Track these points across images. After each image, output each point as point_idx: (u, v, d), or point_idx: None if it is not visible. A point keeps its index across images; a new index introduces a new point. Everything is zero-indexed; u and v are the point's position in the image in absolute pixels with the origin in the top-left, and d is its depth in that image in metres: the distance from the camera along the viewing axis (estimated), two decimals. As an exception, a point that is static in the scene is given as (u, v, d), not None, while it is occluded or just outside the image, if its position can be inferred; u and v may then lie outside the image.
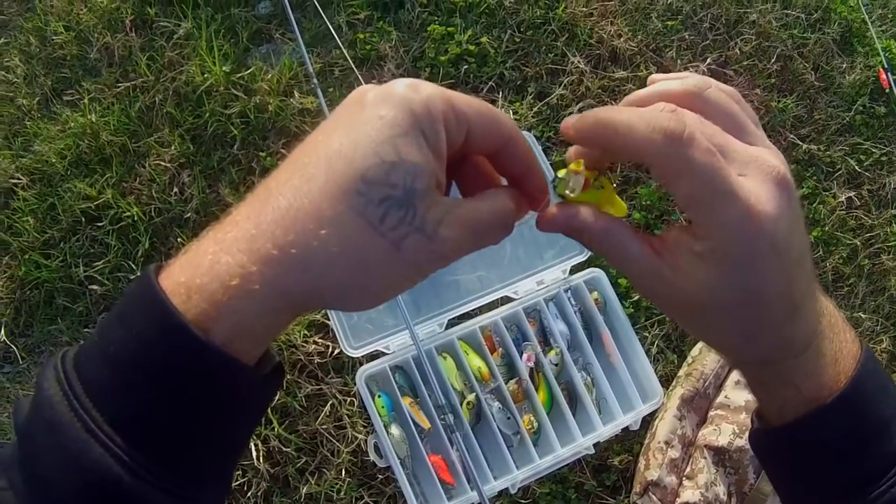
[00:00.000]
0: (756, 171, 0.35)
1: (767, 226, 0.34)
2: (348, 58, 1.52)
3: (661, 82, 0.40)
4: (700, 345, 1.58)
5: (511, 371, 1.48)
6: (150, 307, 0.31)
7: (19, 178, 1.63)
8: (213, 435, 0.34)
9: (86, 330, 1.56)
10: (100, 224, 1.59)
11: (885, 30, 2.00)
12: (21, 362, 1.56)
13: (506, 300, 1.49)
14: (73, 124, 1.64)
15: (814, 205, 1.76)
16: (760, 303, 0.37)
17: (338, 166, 0.33)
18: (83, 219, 1.60)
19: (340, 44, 1.45)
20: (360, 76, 1.55)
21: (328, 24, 1.48)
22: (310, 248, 0.32)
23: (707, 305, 0.37)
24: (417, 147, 0.34)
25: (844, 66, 1.90)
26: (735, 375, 1.49)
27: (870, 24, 1.93)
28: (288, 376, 1.47)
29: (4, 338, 1.57)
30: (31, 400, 0.33)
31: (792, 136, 1.81)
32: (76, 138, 1.63)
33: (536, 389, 1.46)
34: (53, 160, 1.62)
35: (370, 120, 0.34)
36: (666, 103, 0.37)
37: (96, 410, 0.30)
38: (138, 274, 0.33)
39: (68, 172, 1.63)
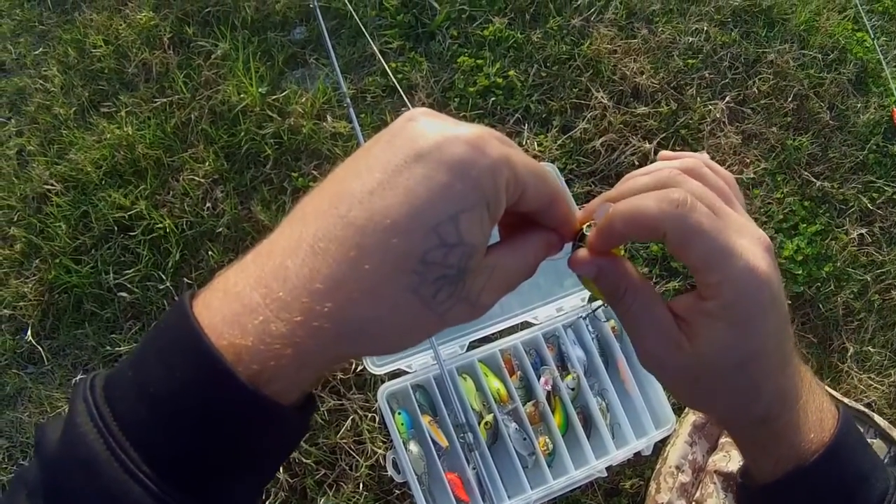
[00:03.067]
0: (749, 234, 0.38)
1: (767, 280, 0.37)
2: (389, 72, 1.56)
3: (661, 162, 0.43)
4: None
5: (529, 393, 1.51)
6: (196, 355, 0.31)
7: (53, 185, 1.68)
8: (253, 475, 0.35)
9: (112, 336, 1.60)
10: (132, 234, 1.63)
11: (899, 71, 2.06)
12: (45, 364, 1.59)
13: (526, 325, 1.53)
14: (109, 135, 1.69)
15: (826, 241, 1.80)
16: (765, 355, 0.39)
17: (395, 242, 0.31)
18: (115, 228, 1.64)
19: (383, 62, 1.50)
20: (401, 91, 1.60)
21: (373, 45, 1.53)
22: (363, 324, 0.32)
23: (721, 366, 0.39)
24: (479, 224, 0.33)
25: (859, 105, 1.96)
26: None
27: (884, 64, 1.99)
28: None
29: (31, 338, 1.60)
30: (61, 431, 0.32)
31: (806, 173, 1.86)
32: (112, 149, 1.68)
33: (553, 412, 1.49)
34: (88, 169, 1.67)
35: (432, 187, 0.32)
36: (670, 169, 0.41)
37: (134, 450, 0.30)
38: (175, 302, 0.31)
39: (103, 182, 1.67)
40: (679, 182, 0.39)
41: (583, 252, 0.42)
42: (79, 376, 1.57)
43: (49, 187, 1.69)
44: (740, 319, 0.38)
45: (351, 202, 0.32)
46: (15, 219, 1.69)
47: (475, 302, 0.35)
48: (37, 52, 1.85)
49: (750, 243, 0.38)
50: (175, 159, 1.69)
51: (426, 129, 0.33)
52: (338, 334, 0.31)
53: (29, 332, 1.62)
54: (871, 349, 1.74)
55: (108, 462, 0.30)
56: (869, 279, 1.79)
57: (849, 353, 1.73)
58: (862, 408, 1.53)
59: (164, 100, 1.74)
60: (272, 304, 0.30)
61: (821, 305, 1.76)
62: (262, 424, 0.32)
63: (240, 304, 0.31)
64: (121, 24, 1.82)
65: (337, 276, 0.31)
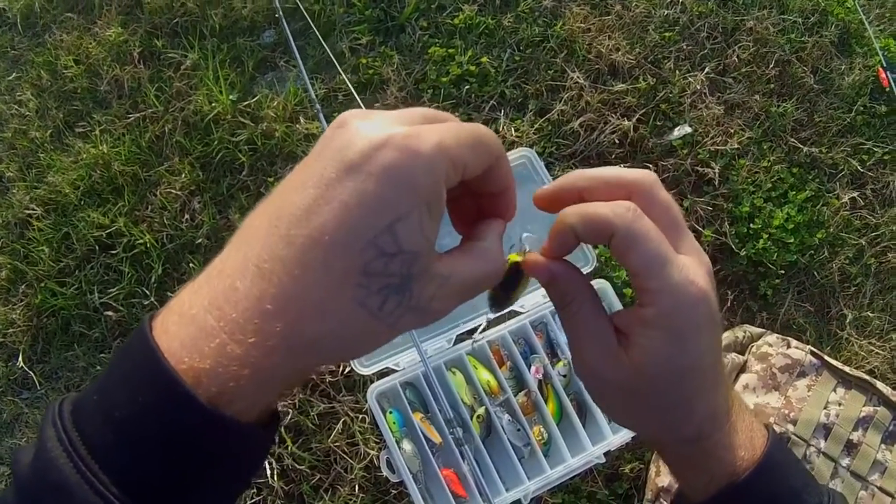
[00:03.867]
0: (692, 251, 0.39)
1: (704, 296, 0.38)
2: (349, 84, 1.55)
3: (619, 168, 0.43)
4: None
5: (520, 384, 1.49)
6: (156, 379, 0.31)
7: (34, 209, 1.68)
8: (220, 492, 0.35)
9: (101, 355, 1.60)
10: (113, 252, 1.63)
11: (883, 29, 2.01)
12: (39, 388, 1.60)
13: (513, 314, 1.51)
14: (85, 155, 1.69)
15: (817, 207, 1.77)
16: (700, 371, 0.39)
17: (336, 258, 0.31)
18: (97, 247, 1.64)
19: (341, 70, 1.48)
20: (360, 102, 1.59)
21: (329, 53, 1.51)
22: (315, 340, 0.32)
23: (657, 379, 0.39)
24: (419, 229, 0.33)
25: (843, 67, 1.91)
26: (743, 380, 1.50)
27: (867, 24, 1.94)
28: (300, 395, 1.49)
29: (23, 364, 1.60)
30: (32, 455, 0.33)
31: (793, 139, 1.82)
32: (88, 169, 1.68)
33: (546, 401, 1.47)
34: (67, 190, 1.67)
35: (364, 199, 0.31)
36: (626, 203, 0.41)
37: (103, 472, 0.31)
38: (136, 326, 0.33)
39: (81, 202, 1.67)
40: (652, 195, 0.40)
41: (536, 256, 0.42)
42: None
43: (30, 212, 1.69)
44: (676, 330, 0.38)
45: (290, 220, 0.32)
46: (-1, 246, 1.69)
47: (426, 309, 0.35)
48: (10, 78, 1.85)
49: (691, 261, 0.39)
50: (151, 174, 1.68)
51: (354, 138, 0.33)
52: (292, 352, 0.32)
53: (20, 358, 1.62)
54: (871, 314, 1.70)
55: (79, 485, 0.31)
56: (864, 243, 1.75)
57: (847, 320, 1.69)
58: (864, 376, 1.50)
59: (138, 115, 1.73)
60: (226, 326, 0.31)
61: (816, 273, 1.72)
62: (224, 444, 0.33)
63: (196, 327, 0.32)
64: (90, 43, 1.82)
65: (285, 296, 0.31)
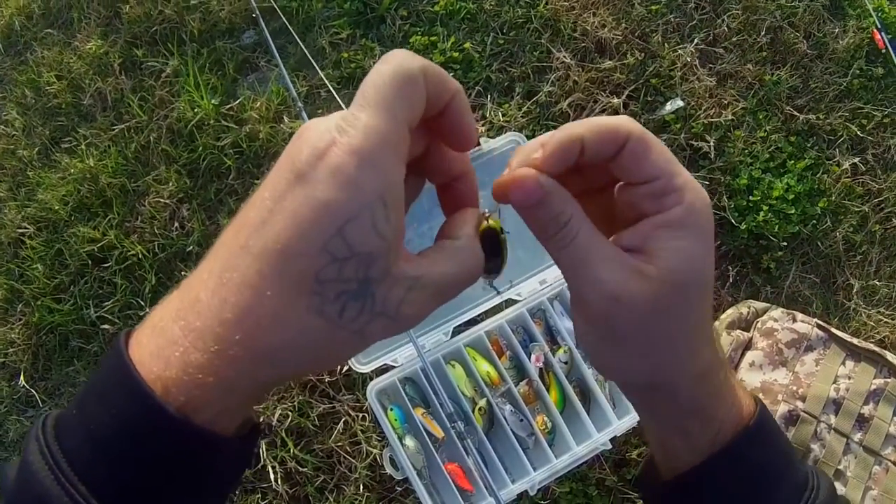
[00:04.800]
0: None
1: (709, 209, 0.38)
2: (326, 80, 1.53)
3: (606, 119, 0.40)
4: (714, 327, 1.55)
5: (521, 373, 1.47)
6: (128, 392, 0.33)
7: (26, 228, 1.68)
8: (199, 500, 0.36)
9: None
10: (106, 265, 1.62)
11: (877, -11, 1.96)
12: (42, 405, 1.60)
13: (510, 302, 1.49)
14: (72, 170, 1.68)
15: (818, 175, 1.72)
16: (712, 283, 0.39)
17: (290, 267, 0.31)
18: (90, 261, 1.63)
19: (319, 68, 1.46)
20: (340, 102, 1.56)
21: (305, 51, 1.49)
22: (275, 350, 0.32)
23: (687, 285, 0.37)
24: (371, 229, 0.32)
25: (837, 30, 1.86)
26: (749, 358, 1.46)
27: (860, -15, 1.89)
28: (300, 397, 1.48)
29: (24, 383, 1.61)
30: (17, 470, 0.34)
31: (789, 108, 1.78)
32: (76, 184, 1.67)
33: (548, 389, 1.45)
34: (57, 207, 1.66)
35: (314, 205, 0.31)
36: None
37: (82, 484, 0.32)
38: (111, 346, 0.34)
39: (72, 217, 1.66)
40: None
41: (524, 171, 0.37)
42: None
43: (22, 231, 1.69)
44: (703, 228, 0.37)
45: (249, 231, 0.32)
46: (-6, 267, 1.69)
47: (395, 315, 0.34)
48: (-5, 98, 1.85)
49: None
50: (139, 184, 1.67)
51: (302, 146, 0.32)
52: (253, 361, 0.32)
53: (21, 377, 1.62)
54: (878, 282, 1.66)
55: (59, 497, 0.32)
56: (867, 209, 1.71)
57: (854, 290, 1.65)
58: (873, 347, 1.46)
59: (122, 126, 1.72)
60: (190, 335, 0.32)
61: (819, 243, 1.68)
62: (196, 452, 0.34)
63: (164, 337, 0.33)
64: (71, 58, 1.81)
65: (243, 305, 0.31)
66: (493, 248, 0.41)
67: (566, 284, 1.47)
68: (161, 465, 0.33)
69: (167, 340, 0.33)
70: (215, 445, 0.34)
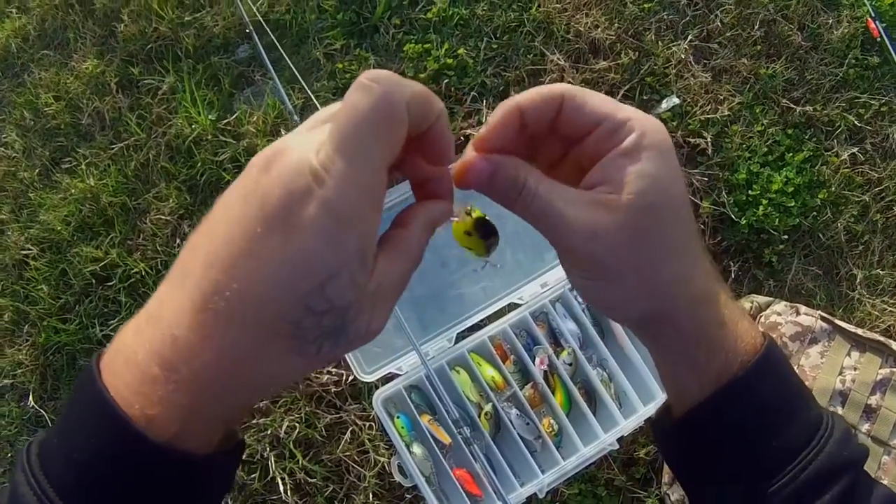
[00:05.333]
0: None
1: (664, 131, 0.39)
2: (314, 98, 1.53)
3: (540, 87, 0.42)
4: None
5: (525, 377, 1.47)
6: (109, 424, 0.33)
7: (30, 249, 1.69)
8: None
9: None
10: (110, 283, 1.63)
11: (870, -22, 1.95)
12: (52, 425, 1.61)
13: (512, 307, 1.49)
14: (73, 191, 1.70)
15: (817, 167, 1.72)
16: (687, 201, 0.39)
17: (268, 313, 0.32)
18: (94, 280, 1.64)
19: (305, 85, 1.46)
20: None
21: (292, 67, 1.50)
22: (257, 384, 0.34)
23: (659, 206, 0.37)
24: (350, 284, 0.32)
25: (831, 21, 1.86)
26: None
27: (852, -26, 1.88)
28: (307, 408, 1.49)
29: (34, 403, 1.62)
30: (7, 498, 0.35)
31: (785, 100, 1.77)
32: (78, 204, 1.68)
33: (553, 391, 1.45)
34: (59, 227, 1.67)
35: (289, 258, 0.31)
36: None
37: None
38: (85, 370, 0.35)
39: (74, 237, 1.68)
40: None
41: (470, 156, 0.39)
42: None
43: (26, 252, 1.70)
44: (660, 148, 0.37)
45: (221, 267, 0.32)
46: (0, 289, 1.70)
47: (365, 335, 0.35)
48: (-5, 121, 1.86)
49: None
50: (140, 202, 1.68)
51: (276, 186, 0.31)
52: (235, 393, 0.34)
53: (31, 398, 1.63)
54: (881, 272, 1.65)
55: None
56: (868, 199, 1.71)
57: (858, 280, 1.65)
58: (878, 337, 1.46)
59: (121, 144, 1.73)
60: (171, 375, 0.32)
61: (821, 235, 1.68)
62: (180, 478, 0.35)
63: (141, 373, 0.33)
64: (69, 78, 1.82)
65: (222, 347, 0.32)
66: (486, 230, 0.45)
67: (567, 286, 1.47)
68: (144, 491, 0.34)
69: (146, 377, 0.33)
70: (200, 466, 0.35)
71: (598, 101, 0.38)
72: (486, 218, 0.45)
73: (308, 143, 0.32)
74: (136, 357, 0.33)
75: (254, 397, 0.37)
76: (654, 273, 0.39)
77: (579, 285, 0.42)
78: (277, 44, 1.50)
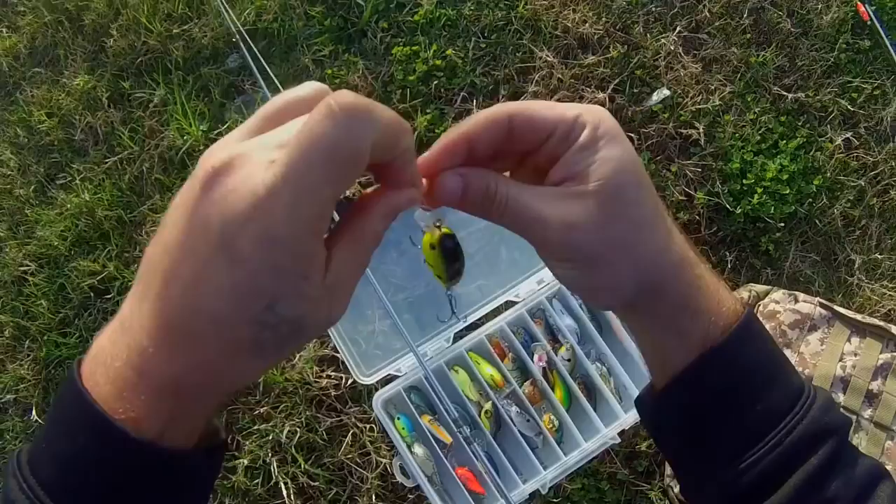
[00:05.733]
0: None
1: (611, 118, 0.40)
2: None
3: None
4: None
5: (524, 374, 1.47)
6: (90, 425, 0.34)
7: (28, 265, 1.70)
8: None
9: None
10: (108, 296, 1.64)
11: (857, -39, 1.94)
12: (38, 433, 1.61)
13: (509, 304, 1.49)
14: (69, 206, 1.71)
15: (811, 153, 1.71)
16: (645, 176, 0.40)
17: (224, 330, 0.33)
18: (92, 294, 1.65)
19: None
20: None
21: (276, 80, 1.50)
22: (226, 384, 0.36)
23: (624, 185, 0.39)
24: (300, 299, 0.33)
25: (820, 6, 1.85)
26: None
27: (840, -43, 1.87)
28: (307, 412, 1.49)
29: (37, 417, 1.62)
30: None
31: (777, 88, 1.77)
32: (74, 219, 1.69)
33: (552, 388, 1.44)
34: (56, 243, 1.68)
35: (240, 287, 0.32)
36: None
37: None
38: (67, 378, 0.33)
39: (72, 252, 1.69)
40: None
41: (441, 177, 0.39)
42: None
43: (24, 268, 1.71)
44: (610, 134, 0.39)
45: (177, 287, 0.33)
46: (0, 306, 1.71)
47: (327, 323, 0.36)
48: (-11, 140, 1.87)
49: None
50: (135, 214, 1.69)
51: (218, 205, 0.31)
52: (212, 394, 0.36)
53: (34, 412, 1.64)
54: (879, 256, 1.64)
55: None
56: (863, 184, 1.70)
57: (856, 265, 1.64)
58: (878, 322, 1.45)
59: (115, 158, 1.74)
60: (151, 382, 0.34)
61: (817, 221, 1.67)
62: (166, 474, 0.36)
63: (120, 379, 0.34)
64: (60, 95, 1.83)
65: (189, 361, 0.34)
66: (448, 250, 0.43)
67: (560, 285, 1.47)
68: (131, 490, 0.35)
69: (127, 383, 0.34)
70: (185, 461, 0.37)
71: (546, 110, 0.39)
72: (453, 236, 0.43)
73: (257, 164, 0.31)
74: (115, 364, 0.35)
75: (229, 394, 0.39)
76: (636, 247, 0.40)
77: (570, 278, 0.42)
78: (258, 53, 1.50)
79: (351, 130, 0.30)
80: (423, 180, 0.39)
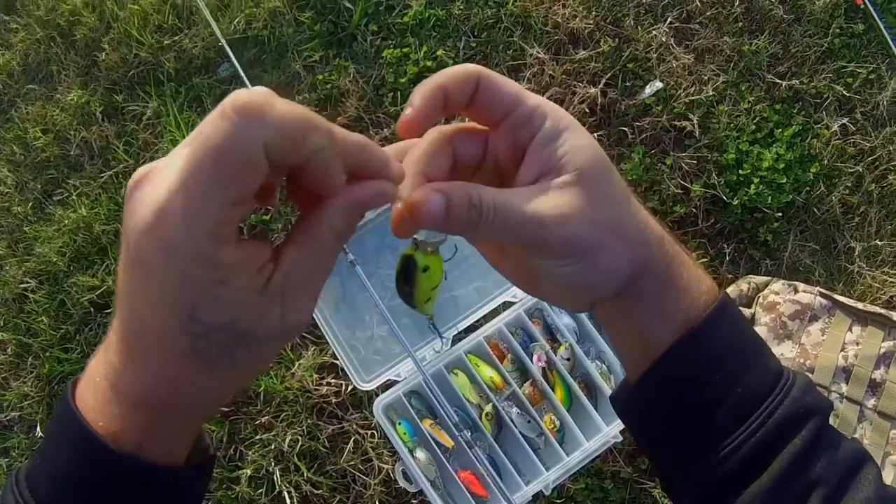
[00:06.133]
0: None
1: (563, 110, 0.41)
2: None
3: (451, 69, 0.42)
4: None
5: (524, 375, 1.47)
6: (85, 445, 0.36)
7: (28, 282, 1.71)
8: None
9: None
10: (108, 311, 1.65)
11: (850, -56, 1.92)
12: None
13: (506, 305, 1.48)
14: (66, 221, 1.71)
15: (807, 141, 1.70)
16: (612, 168, 0.41)
17: (165, 344, 0.33)
18: (92, 309, 1.66)
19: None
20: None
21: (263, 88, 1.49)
22: (193, 400, 0.37)
23: (596, 170, 0.39)
24: (217, 304, 0.33)
25: (812, -9, 1.83)
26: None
27: (832, -59, 1.85)
28: (308, 420, 1.49)
29: (42, 434, 1.63)
30: None
31: (771, 76, 1.75)
32: (72, 234, 1.70)
33: (552, 388, 1.44)
34: (55, 259, 1.69)
35: (160, 300, 0.32)
36: None
37: None
38: (62, 398, 0.38)
39: (71, 268, 1.69)
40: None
41: (416, 194, 0.36)
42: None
43: (25, 285, 1.72)
44: (572, 124, 0.39)
45: (127, 303, 0.34)
46: (1, 324, 1.72)
47: (285, 331, 0.36)
48: (-14, 158, 1.88)
49: None
50: (132, 228, 1.69)
51: (129, 223, 0.32)
52: (183, 410, 0.37)
53: (38, 428, 1.65)
54: (879, 242, 1.63)
55: None
56: (861, 169, 1.68)
57: (856, 252, 1.62)
58: (879, 310, 1.44)
59: (110, 172, 1.74)
60: (123, 396, 0.35)
61: (815, 209, 1.65)
62: (147, 487, 0.37)
63: (101, 396, 0.36)
64: (55, 110, 1.84)
65: (148, 375, 0.35)
66: (402, 272, 0.42)
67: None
68: (116, 498, 0.37)
69: (105, 398, 0.36)
70: (167, 476, 0.38)
71: (510, 85, 0.40)
72: (427, 267, 0.41)
73: (165, 175, 0.31)
74: (96, 380, 0.36)
75: (205, 412, 0.39)
76: (626, 226, 0.40)
77: (571, 275, 0.40)
78: (238, 66, 1.49)
79: (236, 134, 0.29)
80: (406, 175, 0.38)
